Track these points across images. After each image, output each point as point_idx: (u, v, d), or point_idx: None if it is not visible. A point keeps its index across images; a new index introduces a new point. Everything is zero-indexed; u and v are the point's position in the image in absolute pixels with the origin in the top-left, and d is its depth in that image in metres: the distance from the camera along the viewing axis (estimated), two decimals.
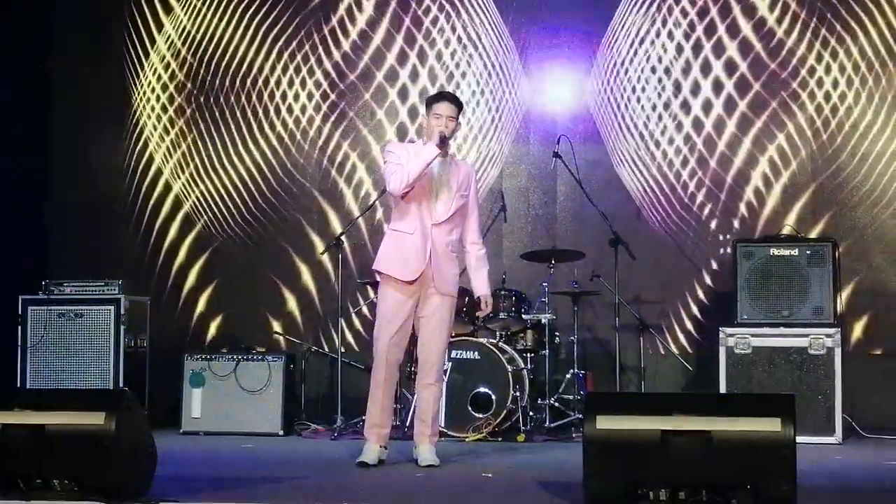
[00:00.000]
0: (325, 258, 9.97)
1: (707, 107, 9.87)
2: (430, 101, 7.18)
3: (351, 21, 10.32)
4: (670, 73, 9.93)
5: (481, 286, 7.30)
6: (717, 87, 9.86)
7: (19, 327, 9.28)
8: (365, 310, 9.92)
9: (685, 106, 9.90)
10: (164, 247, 10.43)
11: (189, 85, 10.47)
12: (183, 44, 10.50)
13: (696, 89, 9.89)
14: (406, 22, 10.25)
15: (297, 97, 10.35)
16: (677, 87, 9.91)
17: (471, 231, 7.23)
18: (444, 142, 6.99)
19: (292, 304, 10.26)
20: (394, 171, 6.98)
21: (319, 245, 10.11)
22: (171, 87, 10.50)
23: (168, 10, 10.53)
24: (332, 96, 10.32)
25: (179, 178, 10.45)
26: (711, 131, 9.86)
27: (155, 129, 10.50)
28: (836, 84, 9.71)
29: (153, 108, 10.51)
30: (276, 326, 10.21)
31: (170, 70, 10.50)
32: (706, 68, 9.88)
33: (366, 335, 9.82)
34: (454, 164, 7.19)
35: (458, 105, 7.18)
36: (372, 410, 7.13)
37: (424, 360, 7.15)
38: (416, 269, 7.01)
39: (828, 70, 9.72)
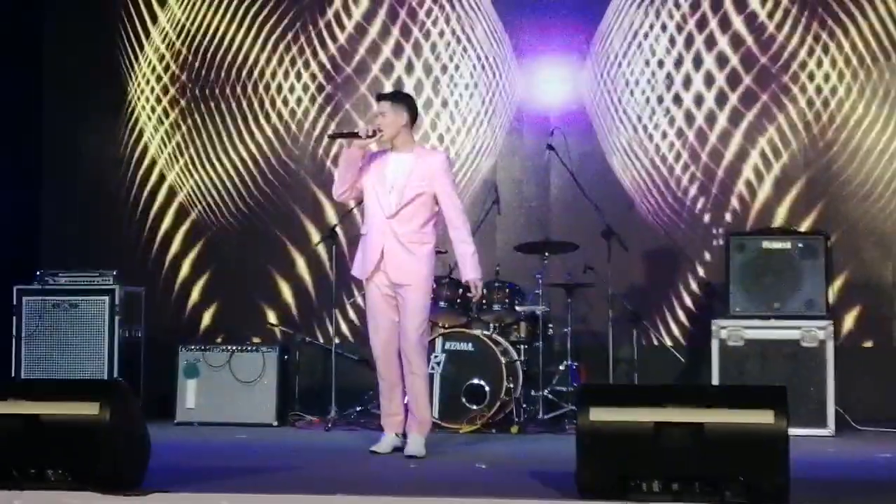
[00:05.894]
0: (320, 249, 9.97)
1: (699, 100, 9.89)
2: None
3: (346, 13, 10.32)
4: (663, 66, 9.95)
5: (467, 271, 7.31)
6: (709, 80, 9.89)
7: (14, 317, 9.29)
8: (359, 300, 9.92)
9: (677, 99, 9.92)
10: (158, 237, 10.44)
11: (184, 76, 10.47)
12: (177, 35, 10.50)
13: (687, 82, 9.91)
14: (401, 14, 10.25)
15: (292, 89, 10.35)
16: (670, 81, 9.94)
17: (447, 219, 7.27)
18: (372, 135, 7.13)
19: (287, 294, 10.28)
20: None
21: (314, 236, 10.12)
22: (166, 78, 10.50)
23: (162, 1, 10.53)
24: (328, 88, 10.33)
25: (174, 168, 10.45)
26: (703, 124, 9.89)
27: (150, 119, 10.51)
28: (827, 78, 9.74)
29: (148, 99, 10.51)
30: (271, 317, 10.23)
31: (164, 61, 10.50)
32: (698, 62, 9.90)
33: (360, 326, 9.84)
34: (416, 155, 7.22)
35: (389, 97, 7.33)
36: (382, 402, 7.30)
37: (402, 350, 7.21)
38: (369, 266, 7.13)
39: (819, 64, 9.75)
